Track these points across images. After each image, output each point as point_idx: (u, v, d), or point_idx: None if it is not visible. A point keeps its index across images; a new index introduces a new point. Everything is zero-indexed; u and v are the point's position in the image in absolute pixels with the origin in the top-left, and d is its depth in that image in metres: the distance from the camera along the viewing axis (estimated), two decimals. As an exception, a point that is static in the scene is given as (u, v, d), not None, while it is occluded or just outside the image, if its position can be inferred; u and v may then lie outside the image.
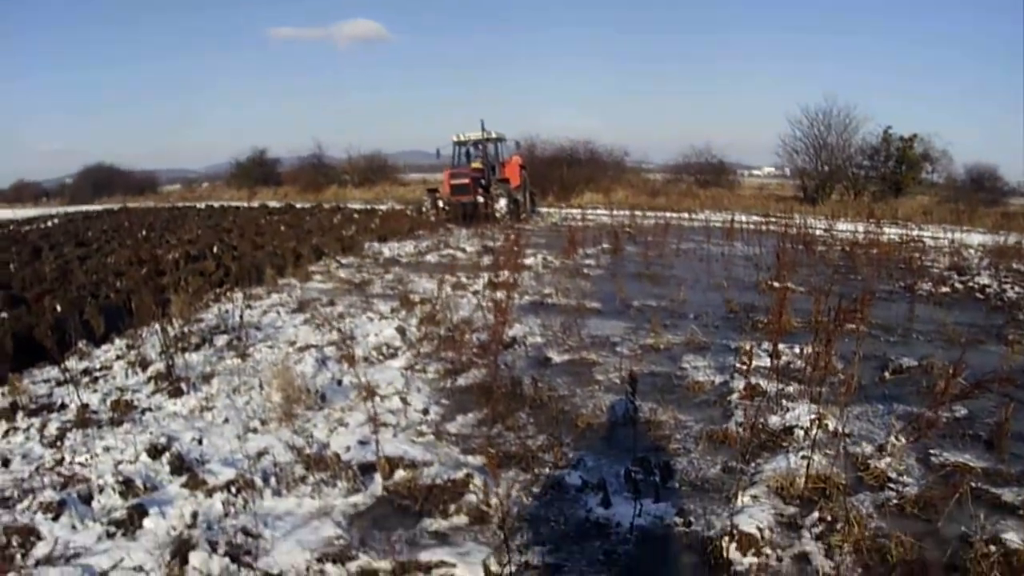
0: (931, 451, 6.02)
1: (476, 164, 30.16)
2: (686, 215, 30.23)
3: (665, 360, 8.82)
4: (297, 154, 66.70)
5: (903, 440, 6.06)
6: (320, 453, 6.19)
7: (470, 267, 15.86)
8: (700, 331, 9.85)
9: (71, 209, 55.42)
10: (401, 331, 10.15)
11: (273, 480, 5.76)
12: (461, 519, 5.22)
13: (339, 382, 8.18)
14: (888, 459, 5.80)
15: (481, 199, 28.09)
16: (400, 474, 5.83)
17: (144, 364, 9.15)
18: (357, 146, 63.78)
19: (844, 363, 8.02)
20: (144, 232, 29.46)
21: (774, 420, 6.62)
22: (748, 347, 8.30)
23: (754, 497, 5.23)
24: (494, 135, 30.34)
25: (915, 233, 23.28)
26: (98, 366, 9.52)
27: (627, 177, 52.96)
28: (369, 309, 11.81)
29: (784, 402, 7.00)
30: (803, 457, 5.53)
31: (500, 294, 10.82)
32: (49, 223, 40.64)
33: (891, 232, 21.76)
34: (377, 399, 7.32)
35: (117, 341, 10.69)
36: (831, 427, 6.29)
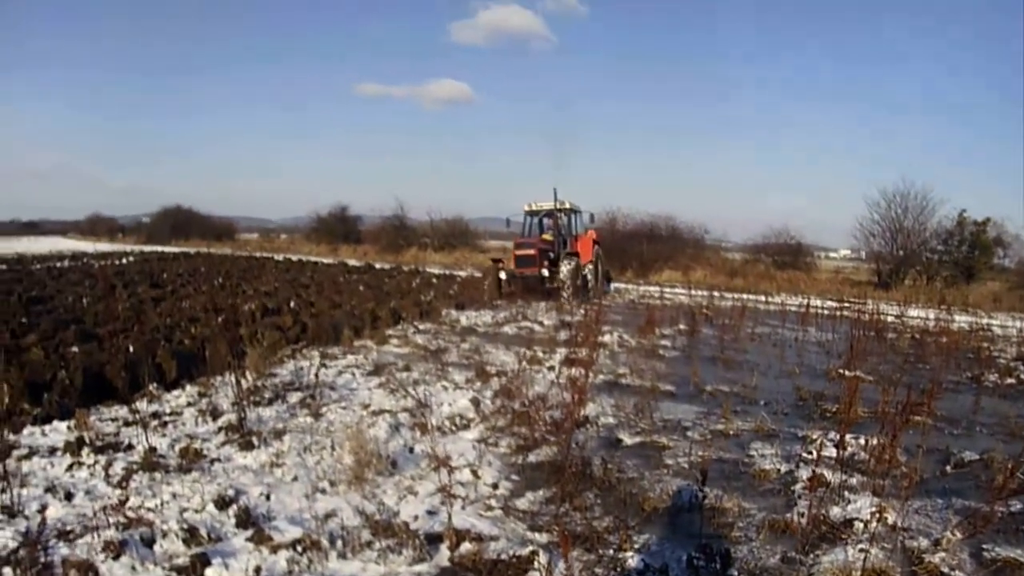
0: (984, 546, 5.94)
1: (547, 236, 28.34)
2: (763, 298, 29.99)
3: (733, 447, 8.77)
4: (379, 213, 67.40)
5: (958, 535, 6.01)
6: (388, 520, 6.21)
7: (546, 341, 15.86)
8: (769, 418, 9.79)
9: (147, 248, 56.63)
10: (475, 402, 10.16)
11: (339, 543, 5.77)
12: (525, 595, 5.17)
13: (411, 450, 8.22)
14: (942, 554, 5.73)
15: (547, 272, 26.06)
16: (467, 546, 5.82)
17: (215, 414, 9.30)
18: (438, 209, 64.49)
19: (908, 455, 7.96)
20: (220, 279, 29.98)
21: (835, 511, 6.56)
22: (815, 437, 8.44)
23: (811, 588, 5.19)
24: (567, 205, 28.50)
25: (984, 321, 23.07)
26: (168, 411, 9.68)
27: (706, 255, 52.79)
28: (444, 378, 11.83)
29: (846, 494, 6.95)
30: (861, 550, 5.51)
31: (576, 371, 10.82)
32: (124, 260, 41.69)
33: (961, 320, 21.79)
34: (446, 469, 7.30)
35: (188, 388, 10.87)
36: (890, 520, 6.25)
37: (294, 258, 48.81)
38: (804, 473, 7.43)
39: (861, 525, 6.20)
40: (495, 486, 7.35)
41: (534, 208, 28.64)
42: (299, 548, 5.59)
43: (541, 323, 19.67)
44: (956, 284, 40.52)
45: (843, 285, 41.31)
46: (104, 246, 62.82)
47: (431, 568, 5.58)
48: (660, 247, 49.33)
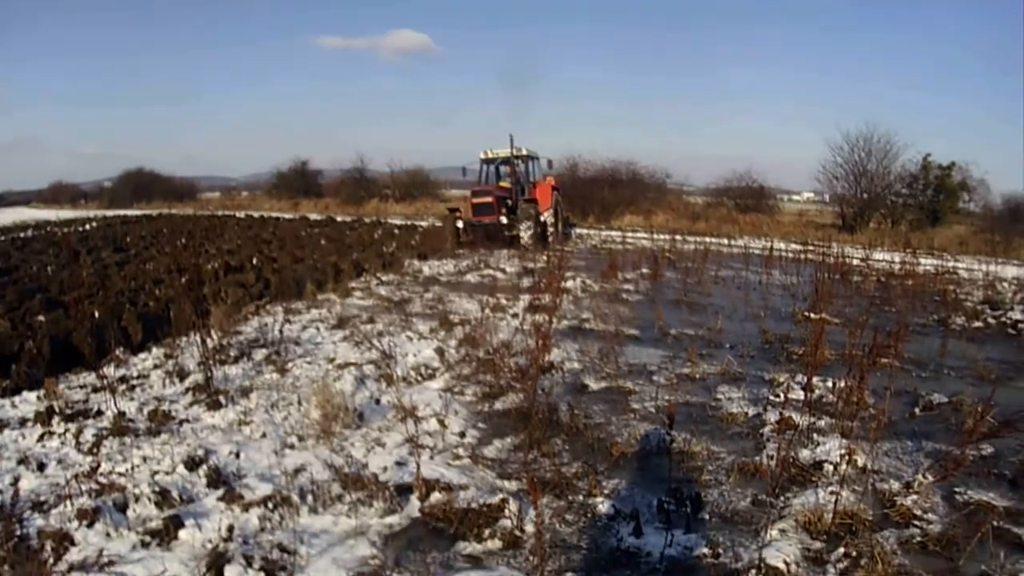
0: (956, 489, 6.00)
1: (504, 183, 28.03)
2: (725, 241, 29.96)
3: (700, 390, 8.82)
4: (339, 166, 67.15)
5: (930, 478, 6.05)
6: (357, 472, 6.21)
7: (510, 288, 15.87)
8: (735, 361, 9.83)
9: (110, 213, 56.15)
10: (440, 352, 10.20)
11: (310, 497, 5.79)
12: (495, 543, 5.26)
13: (377, 401, 8.22)
14: (914, 497, 5.79)
15: (505, 220, 25.71)
16: (436, 496, 5.87)
17: (182, 375, 9.30)
18: (399, 160, 63.49)
19: (876, 398, 7.99)
20: (183, 240, 29.85)
21: (805, 454, 6.63)
22: (782, 380, 8.55)
23: (782, 531, 5.28)
24: (524, 152, 27.87)
25: (950, 265, 23.22)
26: (135, 374, 9.67)
27: (668, 200, 52.67)
28: (408, 328, 11.84)
29: (815, 436, 7.02)
30: (831, 493, 5.59)
31: (539, 317, 10.84)
32: (87, 226, 41.41)
33: (927, 263, 21.77)
34: (415, 420, 7.38)
35: (155, 350, 10.86)
36: (860, 463, 6.34)
37: (256, 215, 48.93)
38: (772, 416, 7.51)
39: (831, 468, 6.28)
40: (462, 435, 7.42)
41: (490, 155, 28.29)
42: (270, 505, 5.62)
43: (504, 270, 19.73)
44: (921, 228, 40.50)
45: (807, 228, 41.22)
46: (67, 213, 62.16)
47: (402, 519, 5.64)
48: (621, 192, 49.15)
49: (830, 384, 8.49)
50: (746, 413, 7.88)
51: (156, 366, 9.99)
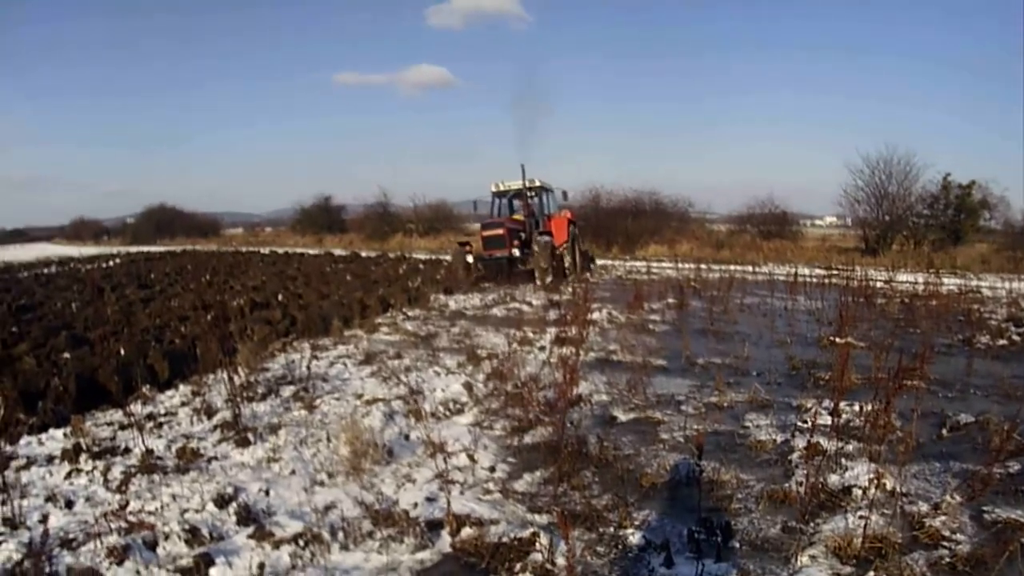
0: (984, 508, 5.95)
1: (517, 216, 27.38)
2: (750, 268, 29.83)
3: (728, 419, 8.80)
4: (362, 201, 67.36)
5: (958, 498, 6.04)
6: (388, 509, 6.22)
7: (536, 322, 15.82)
8: (763, 389, 9.82)
9: (132, 249, 56.64)
10: (468, 387, 10.20)
11: (341, 534, 5.79)
12: (527, 577, 5.24)
13: (407, 437, 8.23)
14: (943, 518, 5.74)
15: (518, 253, 24.72)
16: (467, 531, 5.84)
17: (210, 412, 9.29)
18: (422, 194, 63.91)
19: (903, 420, 7.94)
20: (207, 276, 29.89)
21: (833, 479, 6.59)
22: (810, 406, 8.54)
23: (812, 557, 5.26)
24: (538, 183, 26.67)
25: (973, 283, 23.12)
26: (162, 411, 9.68)
27: (692, 228, 52.93)
28: (436, 363, 11.82)
29: (844, 461, 6.98)
30: (860, 517, 5.55)
31: (567, 350, 10.98)
32: (111, 263, 41.80)
33: (950, 283, 21.69)
34: (443, 455, 7.37)
35: (182, 387, 10.88)
36: (889, 486, 6.29)
37: (280, 251, 49.28)
38: (800, 442, 7.47)
39: (860, 492, 6.23)
40: (492, 469, 7.39)
41: (502, 188, 27.31)
42: (301, 542, 5.62)
43: (530, 303, 19.65)
44: (944, 247, 40.37)
45: (830, 252, 41.04)
46: (90, 249, 62.92)
47: (433, 555, 5.61)
48: (645, 222, 49.18)
49: (857, 408, 8.43)
50: (774, 440, 7.85)
51: (183, 403, 10.00)
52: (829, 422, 7.66)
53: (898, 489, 6.21)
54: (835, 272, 24.66)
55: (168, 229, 75.84)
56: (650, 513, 6.19)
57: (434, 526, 5.94)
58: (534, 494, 6.75)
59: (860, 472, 6.58)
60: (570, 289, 20.81)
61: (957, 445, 7.67)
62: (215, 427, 8.70)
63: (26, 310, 20.74)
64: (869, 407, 7.89)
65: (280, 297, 21.95)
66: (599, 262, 34.53)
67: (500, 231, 24.98)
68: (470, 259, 25.29)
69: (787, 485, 6.55)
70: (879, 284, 21.48)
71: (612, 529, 5.90)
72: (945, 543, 5.41)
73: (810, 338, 13.79)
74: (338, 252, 46.54)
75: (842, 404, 8.09)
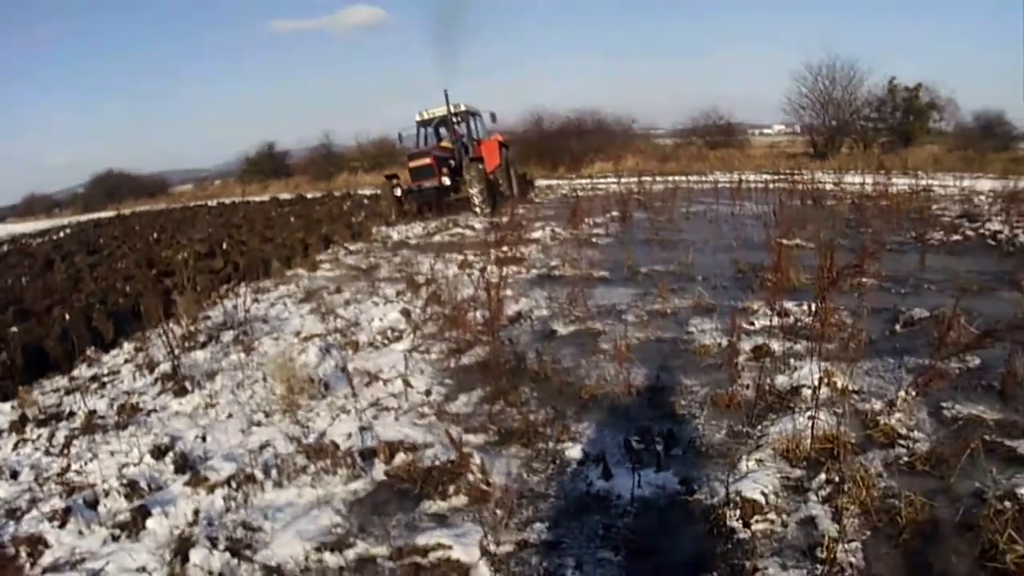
0: (943, 404, 5.82)
1: (445, 144, 25.38)
2: (696, 178, 29.92)
3: (672, 325, 8.70)
4: (306, 145, 66.96)
5: (913, 394, 5.88)
6: (321, 442, 6.15)
7: (478, 245, 15.71)
8: (708, 293, 9.70)
9: (83, 218, 55.78)
10: (406, 313, 10.10)
11: (274, 472, 5.75)
12: (460, 500, 5.18)
13: (343, 369, 7.99)
14: (898, 415, 5.63)
15: (448, 182, 23.29)
16: (401, 458, 5.79)
17: (151, 366, 9.17)
18: (365, 133, 63.00)
19: (856, 318, 7.81)
20: (155, 234, 29.58)
21: (781, 380, 6.48)
22: (756, 307, 8.50)
23: (759, 461, 5.12)
24: (463, 108, 25.38)
25: (925, 183, 23.06)
26: (106, 372, 9.57)
27: (636, 144, 52.54)
28: (375, 294, 11.76)
29: (792, 361, 6.86)
30: (809, 417, 5.36)
31: (504, 269, 10.85)
32: (61, 234, 40.99)
33: (901, 183, 21.65)
34: (380, 383, 7.36)
35: (126, 345, 10.72)
36: (840, 385, 6.15)
37: (227, 201, 48.92)
38: (747, 345, 7.39)
39: (808, 392, 6.10)
40: (428, 393, 7.31)
41: (426, 116, 25.44)
42: (234, 484, 5.61)
43: (472, 227, 19.66)
44: (894, 150, 40.57)
45: (779, 159, 40.72)
46: (43, 224, 61.57)
47: (366, 484, 5.58)
48: (589, 141, 49.01)
49: (806, 307, 8.30)
50: (719, 344, 7.65)
51: (127, 361, 9.90)
52: (776, 323, 7.63)
53: (848, 387, 6.10)
54: (782, 176, 24.65)
55: (117, 194, 74.26)
56: (589, 426, 6.10)
57: (367, 455, 5.91)
58: (470, 414, 6.70)
59: (808, 372, 6.41)
60: (509, 212, 20.38)
61: (911, 340, 7.54)
62: (155, 380, 8.65)
63: (-25, 290, 20.38)
64: (815, 306, 7.79)
65: (224, 246, 21.73)
66: (544, 183, 34.68)
67: (427, 160, 23.50)
68: (399, 192, 24.45)
69: (732, 389, 6.40)
70: (828, 186, 21.63)
71: (550, 444, 5.82)
72: (901, 441, 5.31)
73: (757, 241, 13.65)
74: (284, 196, 46.34)
75: (791, 304, 8.20)
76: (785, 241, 12.21)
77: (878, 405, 5.84)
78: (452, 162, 24.23)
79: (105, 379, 9.21)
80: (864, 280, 9.19)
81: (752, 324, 8.02)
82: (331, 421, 6.77)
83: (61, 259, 24.51)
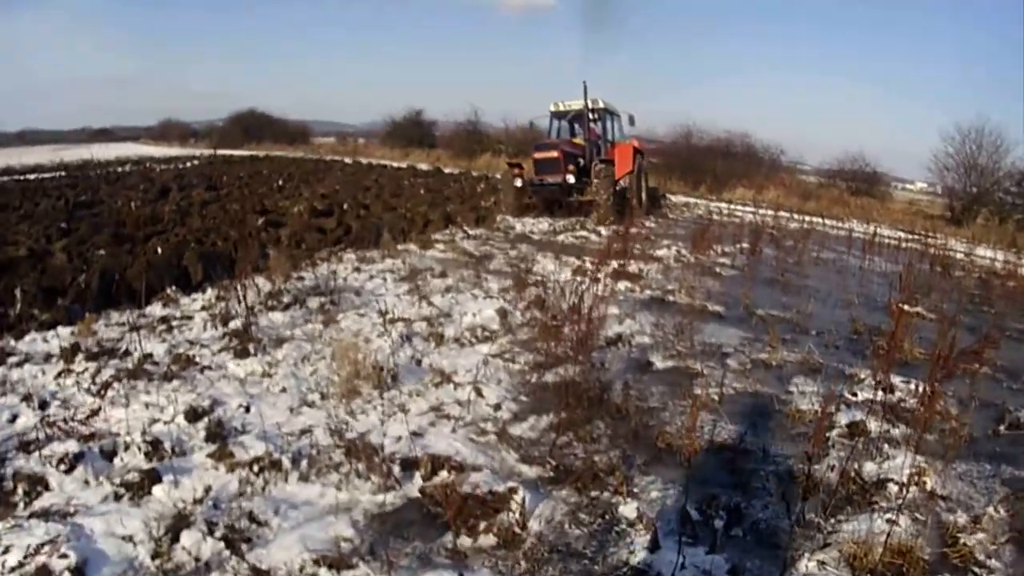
0: (1030, 527, 5.09)
1: (577, 140, 23.59)
2: (833, 222, 29.04)
3: (773, 379, 8.03)
4: (453, 118, 65.75)
5: (1002, 512, 5.16)
6: (364, 439, 5.74)
7: (599, 252, 14.59)
8: (818, 351, 9.01)
9: (217, 152, 57.01)
10: (502, 313, 9.59)
11: (304, 463, 5.37)
12: (488, 540, 4.66)
13: (419, 362, 7.75)
14: (980, 535, 4.89)
15: (572, 180, 21.42)
16: (442, 476, 5.29)
17: (226, 319, 8.94)
18: (515, 116, 62.82)
19: (962, 407, 7.16)
20: (280, 181, 29.95)
21: (869, 468, 5.79)
22: (863, 376, 7.85)
23: (821, 563, 4.49)
24: (601, 104, 23.19)
25: (1055, 268, 21.99)
26: (179, 315, 9.39)
27: (781, 176, 52.03)
28: (479, 285, 11.36)
29: (886, 447, 6.15)
30: (888, 521, 4.74)
31: (621, 284, 10.63)
32: (188, 164, 42.29)
33: (1030, 264, 20.69)
34: (450, 386, 6.95)
35: (209, 291, 10.48)
36: (929, 485, 5.49)
37: (365, 161, 49.02)
38: (844, 418, 6.72)
39: (895, 488, 5.41)
40: (497, 407, 6.79)
41: (561, 108, 23.82)
42: (256, 468, 5.24)
43: (599, 232, 18.92)
44: (1029, 227, 39.45)
45: (916, 217, 40.09)
46: (174, 151, 64.02)
47: (396, 498, 5.11)
48: (735, 164, 48.76)
49: (913, 386, 7.54)
50: (816, 411, 6.84)
51: (204, 308, 9.66)
52: (879, 397, 6.99)
53: (938, 491, 5.45)
54: (915, 236, 23.80)
55: (256, 134, 75.76)
56: (654, 481, 5.52)
57: (408, 465, 5.43)
58: (534, 441, 6.18)
59: (900, 463, 5.68)
60: (636, 223, 19.71)
61: (1014, 446, 6.70)
62: (224, 335, 8.38)
63: (84, 207, 20.81)
64: (923, 386, 7.00)
65: (345, 206, 21.50)
66: (682, 199, 34.08)
67: (554, 153, 21.81)
68: (519, 183, 22.43)
69: (817, 467, 5.68)
70: (958, 255, 20.83)
71: (604, 494, 5.25)
72: (976, 568, 4.60)
73: (879, 301, 12.79)
74: (422, 166, 46.18)
75: (897, 379, 7.49)
76: (907, 307, 11.57)
77: (963, 518, 5.10)
78: (581, 160, 22.61)
79: (175, 323, 9.02)
80: (980, 367, 8.42)
81: (855, 395, 7.37)
82: (385, 418, 6.31)
83: (179, 189, 25.16)
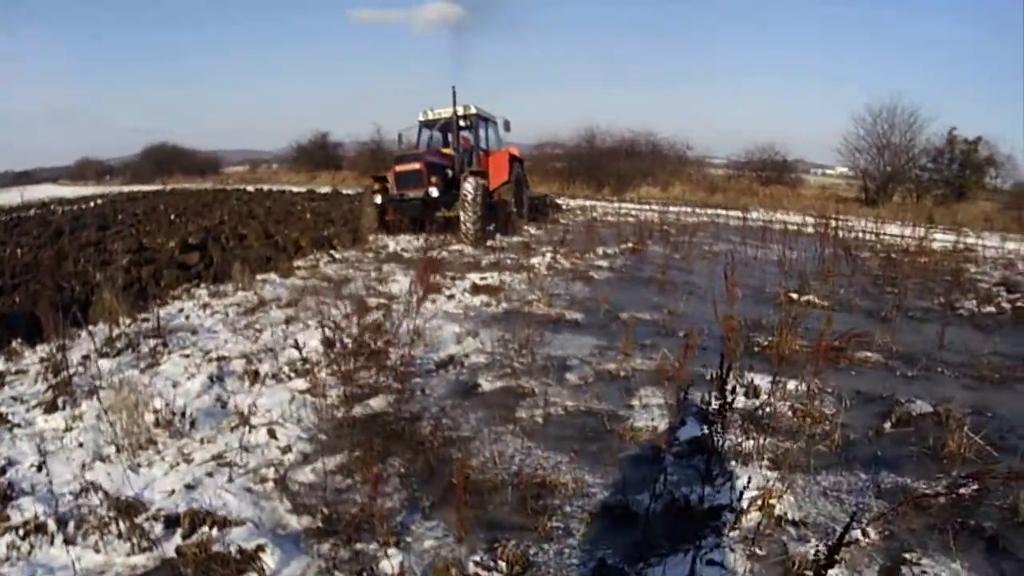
0: (907, 556, 4.18)
1: (447, 151, 22.15)
2: (737, 213, 28.70)
3: (615, 393, 7.28)
4: (358, 139, 67.71)
5: (872, 535, 4.32)
6: (139, 496, 5.25)
7: (471, 266, 14.70)
8: (673, 356, 8.23)
9: (126, 189, 58.81)
10: (328, 343, 8.64)
11: (71, 525, 4.96)
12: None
13: (223, 404, 7.19)
14: (835, 571, 3.80)
15: (436, 194, 19.82)
16: (201, 533, 4.77)
17: (57, 370, 8.38)
18: (414, 131, 63.17)
19: (843, 404, 6.49)
20: (173, 217, 29.82)
21: (706, 492, 4.84)
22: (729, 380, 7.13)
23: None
24: (473, 111, 22.07)
25: (970, 241, 22.15)
26: (14, 370, 8.90)
27: (688, 171, 52.85)
28: (320, 313, 10.50)
29: (733, 464, 5.36)
30: (709, 563, 4.05)
31: (476, 300, 10.45)
32: (92, 204, 42.76)
33: (944, 239, 21.09)
34: (246, 428, 6.39)
35: (53, 342, 9.75)
36: (778, 509, 4.63)
37: (266, 188, 50.45)
38: (689, 431, 5.97)
39: (732, 516, 4.60)
40: (287, 449, 6.16)
41: (431, 117, 22.59)
42: (21, 532, 4.89)
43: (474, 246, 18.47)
44: (946, 203, 40.60)
45: (829, 201, 39.93)
46: (88, 190, 64.77)
47: (150, 560, 4.61)
48: (639, 163, 49.82)
49: (792, 386, 6.86)
50: (655, 428, 6.27)
51: (42, 360, 9.06)
52: (744, 403, 6.50)
53: (788, 515, 4.62)
54: (822, 220, 23.38)
55: (167, 167, 77.51)
56: (434, 528, 4.83)
57: (172, 523, 4.92)
58: (314, 485, 5.52)
59: (748, 483, 4.69)
60: (534, 230, 19.61)
61: (898, 447, 5.88)
62: (48, 388, 7.90)
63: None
64: (797, 384, 6.74)
65: (224, 237, 21.41)
66: (580, 203, 34.36)
67: (416, 165, 19.96)
68: (378, 199, 20.70)
69: (639, 497, 4.92)
70: (867, 236, 20.82)
71: (370, 547, 4.61)
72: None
73: (768, 292, 12.35)
74: (323, 189, 47.10)
75: (763, 381, 6.95)
76: (795, 296, 11.20)
77: (819, 549, 4.18)
78: (450, 172, 21.16)
79: (10, 378, 8.57)
80: (869, 355, 8.06)
81: (709, 404, 5.94)
82: (169, 468, 5.84)
83: (70, 232, 24.82)
